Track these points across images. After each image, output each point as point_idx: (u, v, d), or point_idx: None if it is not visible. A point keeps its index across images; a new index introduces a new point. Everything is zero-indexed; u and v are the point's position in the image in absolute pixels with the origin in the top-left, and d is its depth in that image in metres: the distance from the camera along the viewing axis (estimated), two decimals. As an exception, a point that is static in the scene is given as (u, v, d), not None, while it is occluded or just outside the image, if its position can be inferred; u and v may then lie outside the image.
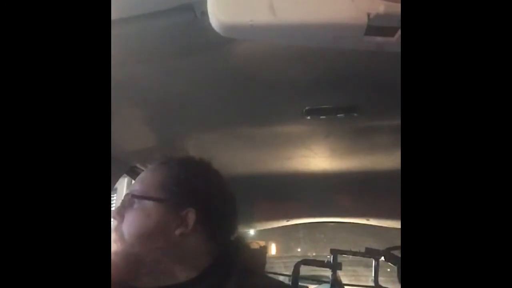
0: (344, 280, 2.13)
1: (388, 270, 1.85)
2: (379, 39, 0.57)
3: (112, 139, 0.58)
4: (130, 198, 0.80)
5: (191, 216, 0.78)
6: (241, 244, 0.87)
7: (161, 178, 0.82)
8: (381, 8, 0.52)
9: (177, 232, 0.77)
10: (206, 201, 0.80)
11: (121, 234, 0.78)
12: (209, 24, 0.57)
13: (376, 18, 0.53)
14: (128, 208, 0.80)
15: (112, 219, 0.81)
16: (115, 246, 0.77)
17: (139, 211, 0.79)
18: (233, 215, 0.84)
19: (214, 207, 0.81)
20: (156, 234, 0.77)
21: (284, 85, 1.06)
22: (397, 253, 1.73)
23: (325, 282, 2.13)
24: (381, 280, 1.83)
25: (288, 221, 2.33)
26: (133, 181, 1.70)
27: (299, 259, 1.87)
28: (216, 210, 0.81)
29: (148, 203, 0.79)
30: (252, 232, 2.38)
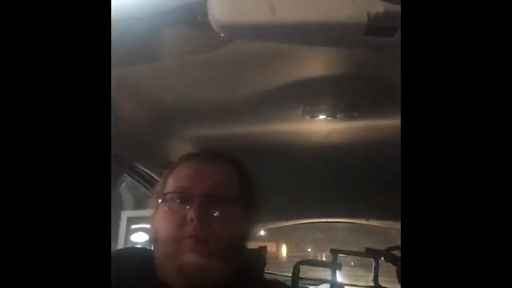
0: (344, 280, 2.13)
1: (388, 270, 1.85)
2: (379, 39, 0.57)
3: (113, 139, 0.58)
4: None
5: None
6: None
7: (239, 180, 0.81)
8: (381, 8, 0.52)
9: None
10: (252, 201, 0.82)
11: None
12: (209, 24, 0.57)
13: (376, 18, 0.53)
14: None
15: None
16: (207, 250, 0.73)
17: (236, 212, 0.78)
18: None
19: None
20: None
21: (284, 85, 1.06)
22: (397, 253, 1.73)
23: (325, 282, 2.13)
24: (381, 280, 1.83)
25: (288, 221, 2.33)
26: (133, 181, 1.70)
27: (299, 259, 1.87)
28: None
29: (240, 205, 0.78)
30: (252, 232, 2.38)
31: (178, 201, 0.76)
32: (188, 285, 0.72)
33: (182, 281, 0.72)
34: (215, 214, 0.75)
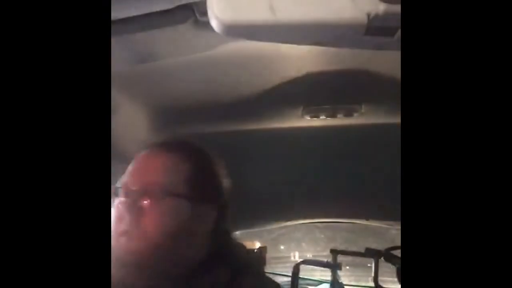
0: (344, 280, 2.13)
1: (388, 270, 1.85)
2: (379, 39, 0.57)
3: (112, 139, 0.58)
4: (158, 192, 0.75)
5: (213, 213, 0.77)
6: (240, 244, 0.87)
7: (185, 172, 0.77)
8: (381, 8, 0.52)
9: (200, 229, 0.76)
10: (223, 196, 0.79)
11: (144, 231, 0.73)
12: (209, 24, 0.56)
13: (376, 18, 0.53)
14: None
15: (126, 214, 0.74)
16: (136, 245, 0.72)
17: (166, 207, 0.74)
18: (230, 210, 0.83)
19: (227, 202, 0.80)
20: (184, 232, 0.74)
21: (284, 85, 1.07)
22: (397, 253, 1.73)
23: (325, 282, 2.13)
24: (381, 280, 1.83)
25: (288, 221, 2.32)
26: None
27: (299, 259, 1.87)
28: (227, 206, 0.80)
29: (175, 199, 0.75)
30: (252, 232, 2.38)
31: (120, 196, 0.75)
32: (130, 280, 0.71)
33: (125, 276, 0.70)
34: (147, 209, 0.73)
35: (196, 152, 0.82)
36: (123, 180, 0.78)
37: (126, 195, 0.75)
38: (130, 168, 0.80)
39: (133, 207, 0.73)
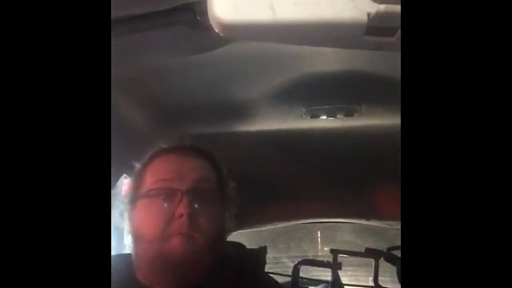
0: (344, 280, 2.12)
1: (388, 270, 1.85)
2: (379, 39, 0.57)
3: (113, 139, 0.58)
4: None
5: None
6: (240, 244, 0.87)
7: (215, 173, 0.80)
8: (381, 8, 0.52)
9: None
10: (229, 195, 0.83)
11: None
12: (209, 24, 0.56)
13: (376, 18, 0.53)
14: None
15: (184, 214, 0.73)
16: (194, 244, 0.73)
17: (219, 204, 0.78)
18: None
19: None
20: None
21: (284, 85, 1.07)
22: (397, 253, 1.73)
23: (325, 282, 2.13)
24: (381, 280, 1.83)
25: (288, 221, 2.32)
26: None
27: (299, 259, 1.87)
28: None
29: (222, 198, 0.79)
30: (252, 232, 2.38)
31: (162, 197, 0.74)
32: (174, 281, 0.71)
33: (168, 277, 0.71)
34: (201, 210, 0.73)
35: (211, 155, 0.84)
36: (161, 181, 0.76)
37: (174, 195, 0.73)
38: (163, 168, 0.78)
39: (189, 207, 0.72)
